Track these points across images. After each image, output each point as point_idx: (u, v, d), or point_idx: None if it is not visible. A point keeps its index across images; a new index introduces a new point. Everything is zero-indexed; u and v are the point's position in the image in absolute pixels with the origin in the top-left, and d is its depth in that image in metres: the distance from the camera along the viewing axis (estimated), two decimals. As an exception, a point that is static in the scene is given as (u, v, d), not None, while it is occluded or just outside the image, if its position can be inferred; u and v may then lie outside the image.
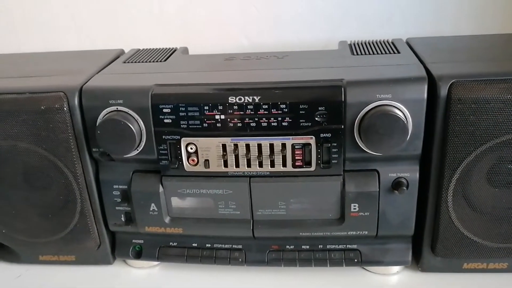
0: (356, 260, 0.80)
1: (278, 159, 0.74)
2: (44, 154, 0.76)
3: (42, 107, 0.73)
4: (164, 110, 0.72)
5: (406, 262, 0.80)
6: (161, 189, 0.78)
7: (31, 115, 0.73)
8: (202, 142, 0.74)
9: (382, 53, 0.83)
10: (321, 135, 0.71)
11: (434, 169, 0.73)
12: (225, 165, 0.75)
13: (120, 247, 0.86)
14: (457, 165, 0.71)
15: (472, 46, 0.87)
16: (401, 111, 0.69)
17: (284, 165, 0.74)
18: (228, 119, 0.72)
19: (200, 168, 0.76)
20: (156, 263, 0.87)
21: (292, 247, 0.81)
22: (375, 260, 0.80)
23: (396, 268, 0.82)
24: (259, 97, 0.71)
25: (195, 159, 0.75)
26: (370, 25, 1.02)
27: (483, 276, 0.79)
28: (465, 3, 1.00)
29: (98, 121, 0.73)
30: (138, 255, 0.85)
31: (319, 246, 0.81)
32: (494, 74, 0.68)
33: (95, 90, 0.75)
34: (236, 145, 0.74)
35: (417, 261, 0.81)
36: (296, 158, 0.74)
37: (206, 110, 0.72)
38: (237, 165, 0.75)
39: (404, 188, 0.73)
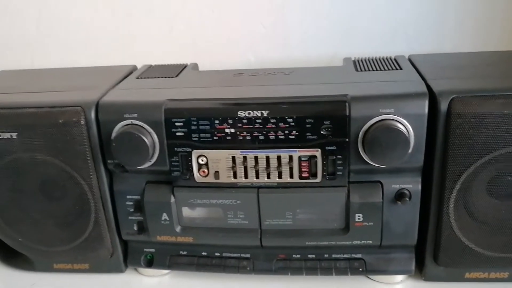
0: (360, 269, 0.82)
1: (285, 171, 0.76)
2: (61, 166, 0.78)
3: (60, 121, 0.76)
4: (177, 124, 0.75)
5: (410, 271, 0.82)
6: (172, 199, 0.81)
7: (49, 128, 0.76)
8: (213, 154, 0.77)
9: (385, 70, 0.86)
10: (327, 147, 0.74)
11: (435, 181, 0.75)
12: (234, 176, 0.78)
13: (132, 255, 0.88)
14: (457, 177, 0.73)
15: (473, 63, 0.89)
16: (403, 125, 0.71)
17: (291, 176, 0.77)
18: (238, 133, 0.75)
19: (210, 179, 0.78)
20: (166, 271, 0.89)
21: (298, 256, 0.83)
22: (379, 269, 0.82)
23: (399, 277, 0.83)
24: (267, 112, 0.74)
25: (206, 170, 0.78)
26: (373, 42, 1.04)
27: (485, 286, 0.80)
28: (467, 20, 1.02)
29: (113, 134, 0.76)
30: (150, 264, 0.87)
31: (325, 255, 0.82)
32: (493, 90, 0.71)
33: (111, 105, 0.78)
34: (245, 157, 0.76)
35: (421, 270, 0.83)
36: (303, 169, 0.76)
37: (217, 123, 0.75)
38: (246, 177, 0.77)
39: (407, 199, 0.75)
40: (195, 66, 1.00)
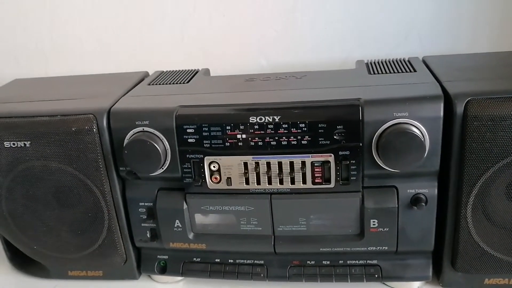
0: (376, 276, 0.80)
1: (298, 177, 0.76)
2: (74, 173, 0.79)
3: (73, 129, 0.76)
4: (188, 130, 0.75)
5: (427, 277, 0.80)
6: (185, 206, 0.80)
7: (62, 136, 0.77)
8: (225, 161, 0.76)
9: (398, 72, 0.84)
10: (340, 152, 0.73)
11: (452, 185, 0.74)
12: (247, 182, 0.77)
13: (145, 262, 0.88)
14: (475, 181, 0.71)
15: (489, 63, 0.88)
16: (418, 128, 0.70)
17: (304, 182, 0.76)
18: (249, 138, 0.74)
19: (223, 185, 0.78)
20: (180, 278, 0.89)
21: (313, 262, 0.82)
22: (395, 276, 0.81)
23: (417, 284, 0.82)
24: (279, 117, 0.73)
25: (218, 177, 0.78)
26: (386, 44, 1.03)
27: (505, 292, 0.79)
28: (482, 19, 1.01)
29: (125, 141, 0.76)
30: (163, 271, 0.87)
31: (340, 261, 0.81)
32: (510, 91, 0.69)
33: (123, 112, 0.78)
34: (257, 163, 0.76)
35: (438, 277, 0.81)
36: (316, 175, 0.75)
37: (228, 129, 0.74)
38: (258, 183, 0.77)
39: (423, 204, 0.74)
40: (206, 71, 1.00)
